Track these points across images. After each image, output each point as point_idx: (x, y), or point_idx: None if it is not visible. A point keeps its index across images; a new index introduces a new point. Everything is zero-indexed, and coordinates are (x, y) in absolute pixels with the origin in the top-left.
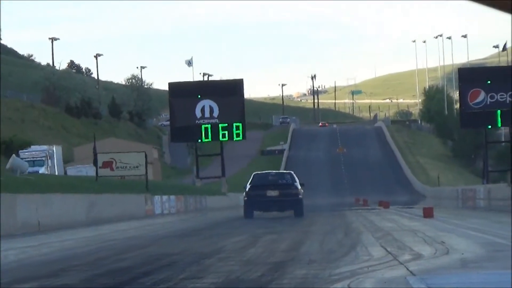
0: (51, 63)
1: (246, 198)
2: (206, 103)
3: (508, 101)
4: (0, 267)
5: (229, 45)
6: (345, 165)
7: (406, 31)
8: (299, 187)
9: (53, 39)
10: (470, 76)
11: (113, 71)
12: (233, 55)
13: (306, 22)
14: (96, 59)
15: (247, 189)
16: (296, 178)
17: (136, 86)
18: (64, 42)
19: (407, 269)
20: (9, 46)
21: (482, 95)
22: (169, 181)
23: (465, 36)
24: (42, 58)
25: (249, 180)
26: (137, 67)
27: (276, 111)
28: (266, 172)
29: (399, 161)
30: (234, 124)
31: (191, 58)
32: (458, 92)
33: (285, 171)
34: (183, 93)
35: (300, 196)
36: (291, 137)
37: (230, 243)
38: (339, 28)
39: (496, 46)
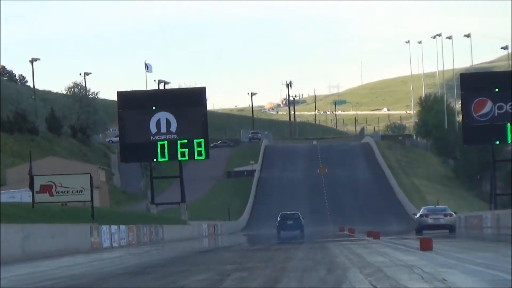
0: None
1: (278, 225)
2: (162, 115)
3: None
4: None
5: (189, 47)
6: (327, 188)
7: (398, 30)
8: (302, 219)
9: None
10: (474, 82)
11: (52, 79)
12: (194, 59)
13: (280, 20)
14: (32, 64)
15: (278, 220)
16: (301, 215)
17: (79, 96)
18: None
19: None
20: None
21: (488, 105)
22: (119, 208)
23: (468, 36)
24: None
25: (278, 215)
26: (80, 74)
27: (245, 125)
28: (286, 212)
29: (391, 184)
30: (195, 141)
31: (145, 62)
32: (460, 102)
33: (294, 212)
34: (134, 104)
35: (303, 223)
36: (263, 155)
37: (192, 282)
38: (319, 27)
39: (505, 47)
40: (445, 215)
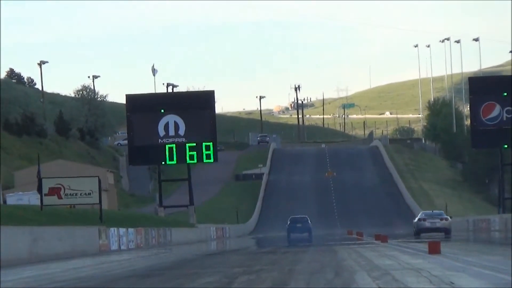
0: None
1: (288, 228)
2: (171, 118)
3: None
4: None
5: (197, 50)
6: (336, 192)
7: (407, 34)
8: (310, 222)
9: None
10: (482, 86)
11: (60, 81)
12: (202, 62)
13: (289, 23)
14: (40, 67)
15: (288, 223)
16: (308, 218)
17: (87, 99)
18: (2, 46)
19: None
20: None
21: (497, 109)
22: (127, 211)
23: (476, 40)
24: None
25: (288, 219)
26: (89, 77)
27: (253, 128)
28: (296, 216)
29: (399, 187)
30: (204, 144)
31: (153, 66)
32: (468, 106)
33: (303, 216)
34: (143, 107)
35: (310, 227)
36: (271, 158)
37: (200, 285)
38: (327, 31)
39: None
40: (441, 219)
